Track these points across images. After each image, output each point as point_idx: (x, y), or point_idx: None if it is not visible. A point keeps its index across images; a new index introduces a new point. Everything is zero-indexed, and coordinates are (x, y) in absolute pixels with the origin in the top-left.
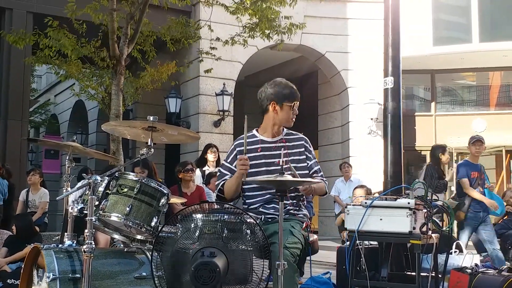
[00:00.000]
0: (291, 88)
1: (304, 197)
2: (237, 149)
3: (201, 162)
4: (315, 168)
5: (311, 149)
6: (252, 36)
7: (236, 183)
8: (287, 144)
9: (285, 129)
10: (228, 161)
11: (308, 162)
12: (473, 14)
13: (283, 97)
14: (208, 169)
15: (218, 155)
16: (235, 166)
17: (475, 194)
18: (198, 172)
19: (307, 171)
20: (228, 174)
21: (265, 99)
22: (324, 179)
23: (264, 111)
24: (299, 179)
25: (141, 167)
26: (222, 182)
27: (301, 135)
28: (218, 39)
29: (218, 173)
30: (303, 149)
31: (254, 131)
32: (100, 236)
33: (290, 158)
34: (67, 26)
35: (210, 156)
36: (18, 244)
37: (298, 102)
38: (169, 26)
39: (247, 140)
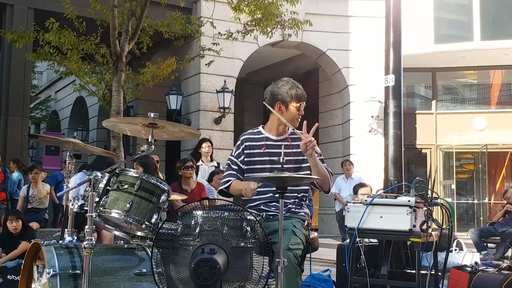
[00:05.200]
0: (298, 88)
1: (306, 196)
2: (245, 144)
3: (195, 156)
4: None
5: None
6: (252, 33)
7: (240, 192)
8: (292, 143)
9: (290, 128)
10: (235, 155)
11: None
12: (474, 12)
13: (289, 98)
14: (202, 164)
15: (212, 149)
16: (241, 162)
17: None
18: None
19: (309, 171)
20: (235, 171)
21: (271, 98)
22: (330, 170)
23: (270, 110)
24: (300, 175)
25: (137, 163)
26: (228, 184)
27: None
28: (219, 34)
29: (226, 166)
30: None
31: (260, 128)
32: (106, 233)
33: (294, 158)
34: (68, 24)
35: (204, 150)
36: (11, 241)
37: (304, 103)
38: (168, 23)
39: (253, 137)
